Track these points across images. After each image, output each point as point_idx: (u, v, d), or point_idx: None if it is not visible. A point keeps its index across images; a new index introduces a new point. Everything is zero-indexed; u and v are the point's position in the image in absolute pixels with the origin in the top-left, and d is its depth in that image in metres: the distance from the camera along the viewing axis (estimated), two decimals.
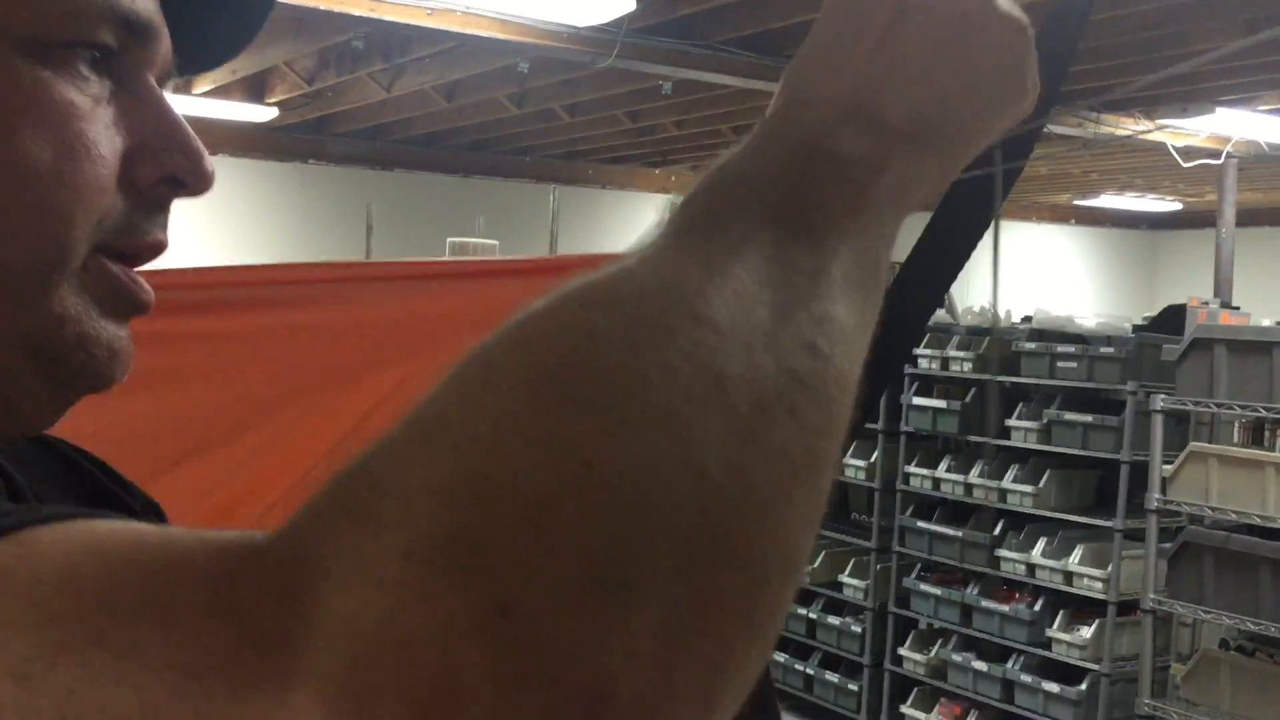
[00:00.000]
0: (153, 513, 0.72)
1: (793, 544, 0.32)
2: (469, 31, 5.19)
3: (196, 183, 0.52)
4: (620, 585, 0.27)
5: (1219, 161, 7.52)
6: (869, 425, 5.11)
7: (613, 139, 9.15)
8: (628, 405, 0.29)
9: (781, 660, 5.43)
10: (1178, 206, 11.15)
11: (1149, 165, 8.93)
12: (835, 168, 0.41)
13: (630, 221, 10.61)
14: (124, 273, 0.51)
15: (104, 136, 0.49)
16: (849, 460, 5.21)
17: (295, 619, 0.26)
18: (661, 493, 0.28)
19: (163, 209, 0.53)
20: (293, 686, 0.26)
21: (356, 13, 4.93)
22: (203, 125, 7.51)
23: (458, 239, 4.01)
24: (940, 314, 5.73)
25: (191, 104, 6.79)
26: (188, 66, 0.57)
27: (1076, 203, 11.24)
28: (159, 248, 0.53)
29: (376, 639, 0.25)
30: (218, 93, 6.94)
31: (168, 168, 0.51)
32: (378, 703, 0.25)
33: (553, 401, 0.29)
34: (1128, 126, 6.95)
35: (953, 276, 0.86)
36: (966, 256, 0.84)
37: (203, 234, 7.90)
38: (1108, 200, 10.96)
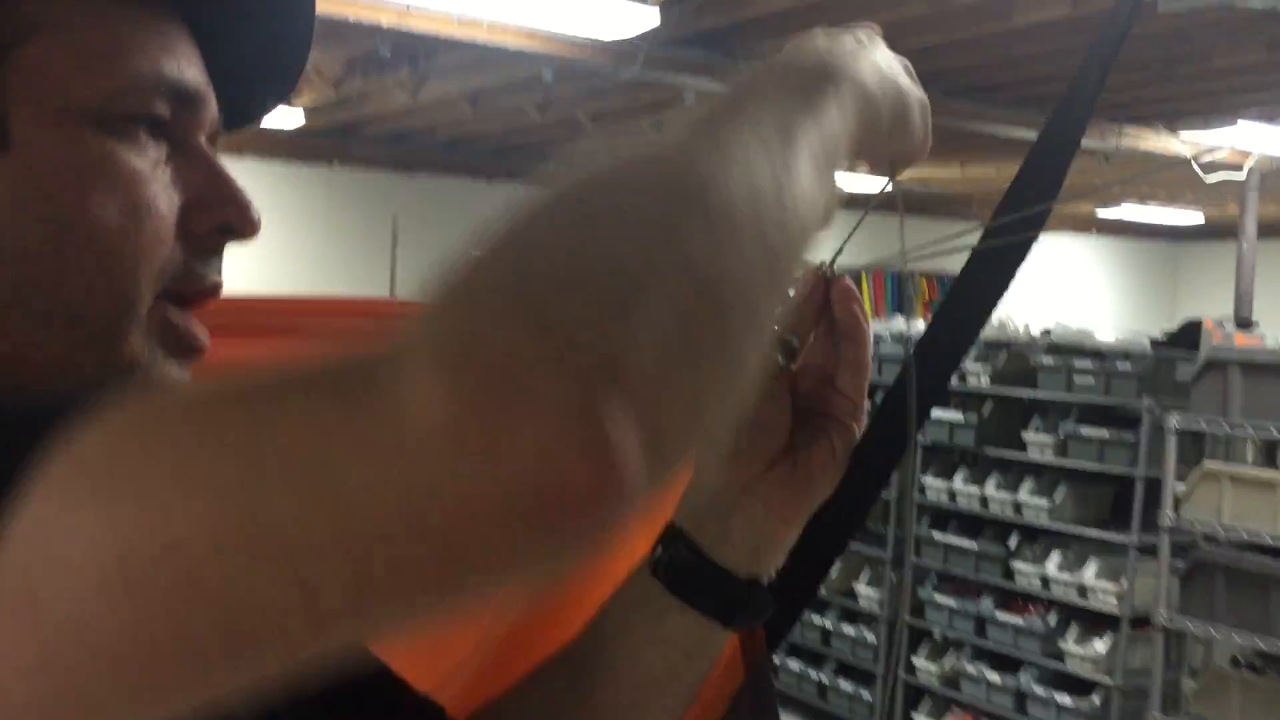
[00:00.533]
0: None
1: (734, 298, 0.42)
2: (495, 42, 5.25)
3: (245, 229, 0.59)
4: (622, 302, 0.37)
5: (1241, 175, 7.52)
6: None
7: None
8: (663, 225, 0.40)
9: (796, 669, 5.48)
10: (1200, 218, 11.13)
11: (1171, 178, 8.93)
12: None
13: None
14: (183, 319, 0.57)
15: (163, 196, 0.56)
16: None
17: (402, 336, 0.37)
18: (654, 266, 0.39)
19: (217, 254, 0.59)
20: (412, 369, 0.36)
21: (385, 23, 5.00)
22: None
23: None
24: None
25: None
26: (230, 124, 0.63)
27: (1098, 214, 11.23)
28: (216, 289, 0.60)
29: (465, 343, 0.36)
30: None
31: (220, 219, 0.58)
32: (469, 369, 0.35)
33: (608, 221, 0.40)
34: (1150, 140, 6.97)
35: (983, 322, 0.92)
36: (1000, 296, 0.90)
37: None
38: (1129, 211, 10.95)
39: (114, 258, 0.54)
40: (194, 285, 0.58)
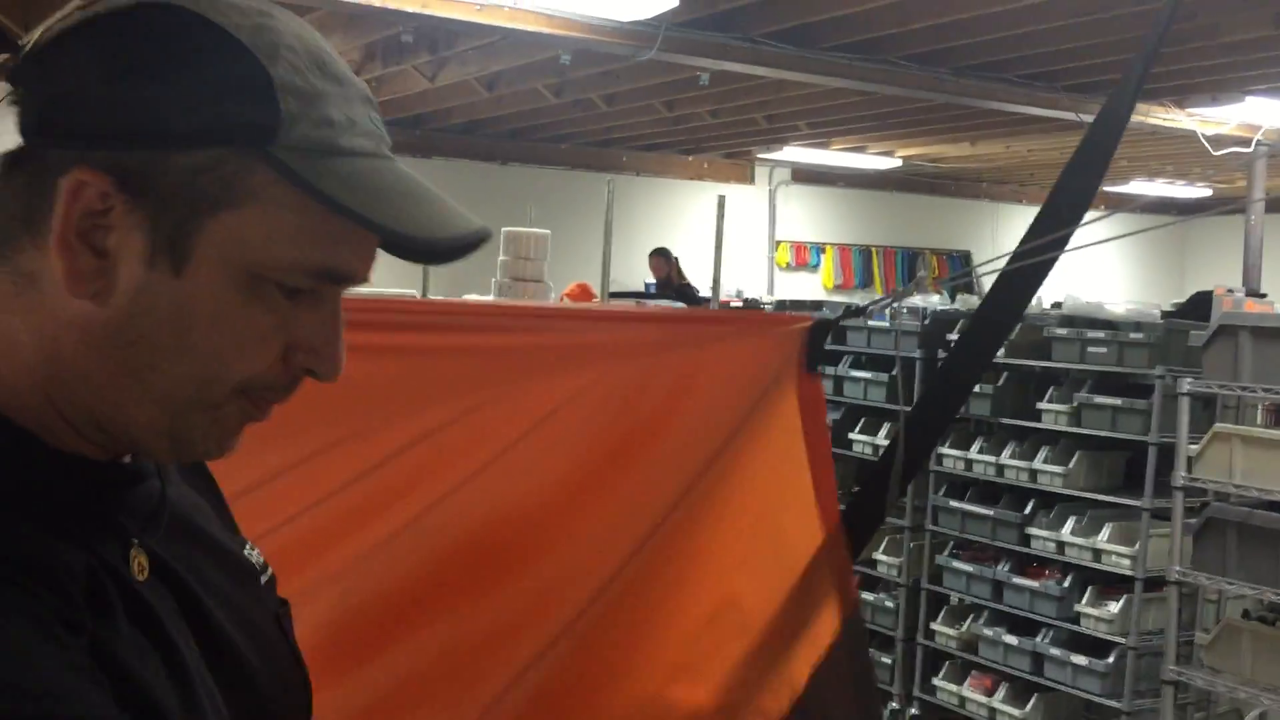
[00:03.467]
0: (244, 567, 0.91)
1: None
2: (516, 26, 5.36)
3: (327, 378, 0.75)
4: None
5: (1249, 150, 7.61)
6: (897, 407, 5.28)
7: (647, 127, 9.30)
8: None
9: None
10: (1208, 193, 11.20)
11: (1179, 153, 9.01)
12: None
13: (661, 206, 10.77)
14: (249, 405, 0.73)
15: (273, 341, 0.70)
16: (883, 441, 5.38)
17: None
18: None
19: (297, 382, 0.75)
20: None
21: (408, 9, 5.11)
22: None
23: (512, 229, 4.19)
24: (972, 300, 5.88)
25: None
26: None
27: (1106, 189, 11.31)
28: (283, 401, 0.75)
29: None
30: None
31: (311, 365, 0.73)
32: None
33: None
34: (1158, 116, 7.06)
35: (995, 350, 1.09)
36: (1008, 332, 1.07)
37: None
38: (1138, 186, 11.03)
39: (211, 374, 0.70)
40: (267, 397, 0.74)
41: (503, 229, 4.22)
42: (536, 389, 1.62)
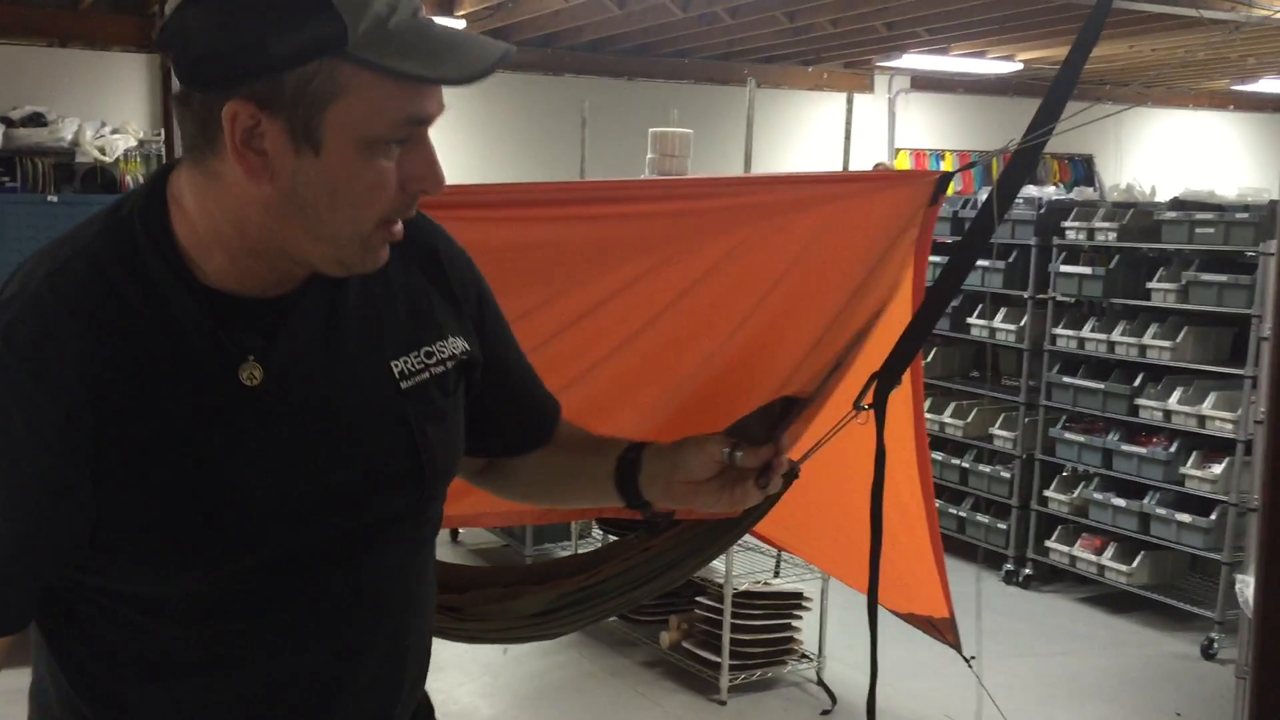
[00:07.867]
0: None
1: None
2: None
3: (434, 192, 1.02)
4: None
5: None
6: (1018, 293, 5.63)
7: (769, 39, 9.59)
8: None
9: (937, 505, 6.06)
10: None
11: None
12: None
13: (779, 118, 11.06)
14: (387, 230, 1.02)
15: (393, 176, 0.98)
16: (999, 325, 5.75)
17: None
18: None
19: (414, 202, 1.03)
20: None
21: None
22: None
23: (658, 129, 4.65)
24: (1088, 192, 6.17)
25: None
26: None
27: (1234, 88, 11.20)
28: (408, 219, 1.04)
29: None
30: None
31: (424, 187, 1.02)
32: None
33: None
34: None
35: (961, 279, 1.72)
36: (972, 264, 1.66)
37: None
38: (1268, 85, 10.89)
39: (359, 214, 0.98)
40: (398, 217, 1.03)
41: (650, 129, 4.69)
42: (709, 243, 2.07)
